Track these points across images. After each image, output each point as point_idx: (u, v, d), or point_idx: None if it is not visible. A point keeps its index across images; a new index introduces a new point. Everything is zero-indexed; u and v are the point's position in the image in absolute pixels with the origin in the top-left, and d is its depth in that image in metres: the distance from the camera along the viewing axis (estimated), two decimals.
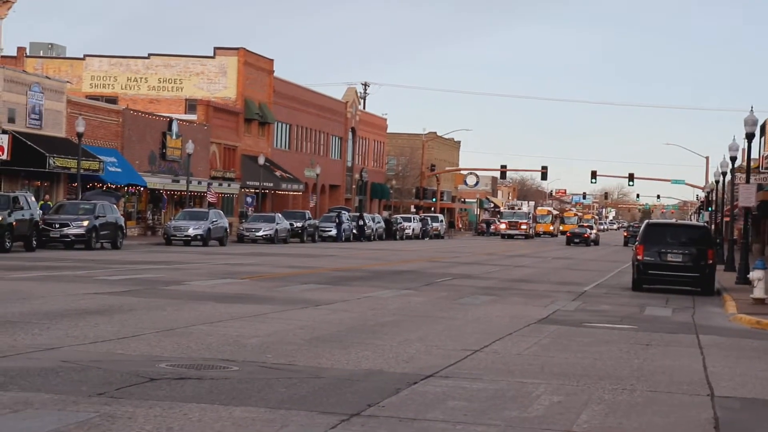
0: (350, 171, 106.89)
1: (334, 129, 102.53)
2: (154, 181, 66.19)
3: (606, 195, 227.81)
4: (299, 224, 71.93)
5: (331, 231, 76.73)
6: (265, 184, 78.80)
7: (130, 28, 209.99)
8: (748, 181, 41.57)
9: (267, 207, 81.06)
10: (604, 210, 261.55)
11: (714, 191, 78.29)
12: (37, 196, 52.15)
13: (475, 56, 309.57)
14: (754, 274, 27.60)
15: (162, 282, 27.38)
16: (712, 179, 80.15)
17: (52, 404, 10.29)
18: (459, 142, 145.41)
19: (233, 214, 77.24)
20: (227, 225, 61.60)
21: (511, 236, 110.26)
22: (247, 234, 65.47)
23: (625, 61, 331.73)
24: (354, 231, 79.80)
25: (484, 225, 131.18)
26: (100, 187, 57.93)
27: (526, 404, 11.67)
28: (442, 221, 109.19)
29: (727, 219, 69.44)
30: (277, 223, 66.44)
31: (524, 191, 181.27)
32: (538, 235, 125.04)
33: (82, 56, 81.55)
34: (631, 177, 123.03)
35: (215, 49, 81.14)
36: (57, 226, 46.06)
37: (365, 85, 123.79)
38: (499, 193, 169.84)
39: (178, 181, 68.31)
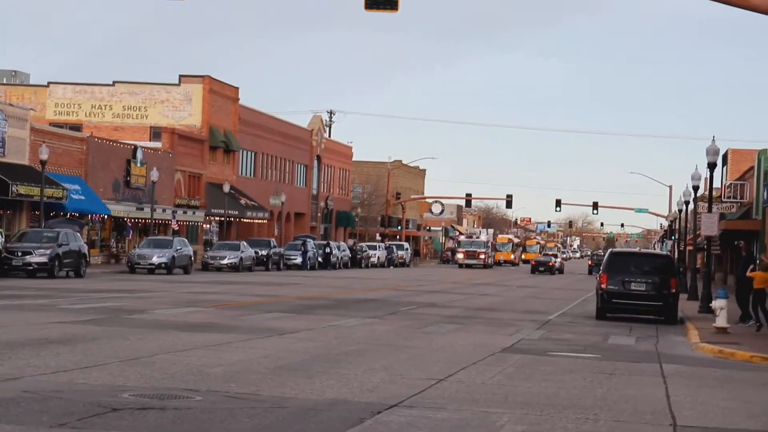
0: (315, 199, 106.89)
1: (300, 157, 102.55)
2: (118, 209, 65.88)
3: (570, 223, 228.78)
4: (264, 252, 71.76)
5: (296, 259, 76.59)
6: (230, 211, 78.58)
7: (95, 56, 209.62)
8: (710, 211, 41.92)
9: (232, 235, 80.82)
10: (568, 238, 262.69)
11: (677, 220, 78.90)
12: None
13: (441, 84, 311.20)
14: (717, 303, 27.79)
15: (125, 311, 27.21)
16: (675, 208, 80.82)
17: None
18: (424, 170, 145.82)
19: (198, 241, 76.95)
20: (192, 253, 61.35)
21: (469, 266, 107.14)
22: (212, 262, 65.24)
23: (590, 90, 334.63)
24: (320, 259, 79.68)
25: (449, 253, 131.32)
26: (63, 215, 57.54)
27: None
28: (407, 249, 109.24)
29: (690, 248, 69.97)
30: (242, 251, 66.27)
31: (489, 219, 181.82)
32: (498, 263, 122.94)
33: (46, 83, 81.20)
34: (595, 205, 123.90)
35: (180, 76, 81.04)
36: (19, 254, 45.71)
37: (331, 113, 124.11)
38: (465, 221, 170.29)
39: (142, 209, 68.02)
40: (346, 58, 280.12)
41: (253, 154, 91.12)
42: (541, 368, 18.49)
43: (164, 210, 70.39)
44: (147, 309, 28.02)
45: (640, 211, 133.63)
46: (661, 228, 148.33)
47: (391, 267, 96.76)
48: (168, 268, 56.48)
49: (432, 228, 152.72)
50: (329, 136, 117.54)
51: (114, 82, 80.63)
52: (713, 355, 23.01)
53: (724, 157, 74.07)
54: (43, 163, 52.76)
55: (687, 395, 15.90)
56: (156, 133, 77.85)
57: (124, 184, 67.73)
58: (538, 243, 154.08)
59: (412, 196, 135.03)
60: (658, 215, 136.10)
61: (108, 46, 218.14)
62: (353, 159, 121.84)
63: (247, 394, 13.50)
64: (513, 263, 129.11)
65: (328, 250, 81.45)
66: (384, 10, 23.79)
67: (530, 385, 15.98)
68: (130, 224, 68.84)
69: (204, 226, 78.00)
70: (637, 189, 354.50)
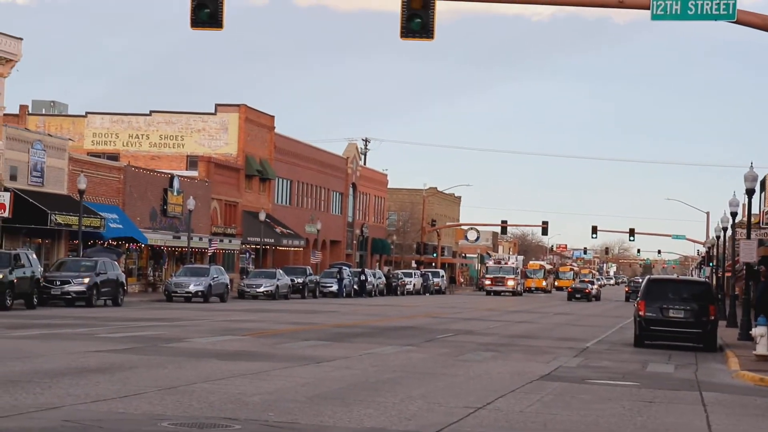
0: (351, 226, 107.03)
1: (335, 185, 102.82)
2: (155, 238, 66.26)
3: (607, 250, 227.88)
4: (300, 280, 71.89)
5: (332, 287, 76.66)
6: (265, 239, 78.85)
7: (132, 86, 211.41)
8: (749, 237, 41.59)
9: (268, 263, 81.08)
10: (605, 265, 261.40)
11: (715, 246, 78.32)
12: (38, 253, 52.17)
13: (476, 111, 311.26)
14: (757, 330, 27.51)
15: (163, 339, 27.31)
16: (712, 234, 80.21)
17: None
18: (460, 197, 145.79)
19: (234, 270, 77.21)
20: (228, 281, 61.56)
21: (497, 293, 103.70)
22: (248, 290, 65.40)
23: (626, 116, 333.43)
24: (355, 287, 79.71)
25: (484, 281, 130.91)
26: (101, 244, 57.96)
27: None
28: (443, 276, 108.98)
29: (728, 274, 69.41)
30: (278, 279, 66.41)
31: (525, 246, 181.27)
32: (530, 291, 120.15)
33: (83, 113, 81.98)
34: (632, 232, 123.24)
35: (216, 105, 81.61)
36: (58, 283, 46.02)
37: (366, 140, 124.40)
38: (500, 248, 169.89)
39: (179, 238, 68.37)
40: (380, 86, 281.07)
41: (288, 182, 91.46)
42: (580, 396, 18.37)
43: (201, 238, 70.72)
44: (184, 337, 28.11)
45: (677, 237, 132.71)
46: (698, 254, 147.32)
47: (427, 294, 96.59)
48: (205, 296, 56.68)
49: (467, 255, 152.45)
50: (364, 163, 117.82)
51: (151, 112, 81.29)
52: (754, 383, 22.76)
53: (762, 183, 73.48)
54: (81, 192, 53.20)
55: (728, 424, 15.75)
56: (192, 162, 78.34)
57: (161, 212, 68.14)
58: (571, 269, 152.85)
59: (448, 223, 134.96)
60: (695, 242, 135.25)
61: (144, 76, 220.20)
62: (388, 186, 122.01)
63: (285, 423, 13.50)
64: (545, 290, 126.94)
65: (363, 277, 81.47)
66: (420, 39, 23.86)
67: (569, 414, 15.88)
68: (165, 252, 69.19)
69: (244, 255, 78.30)
70: (675, 215, 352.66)
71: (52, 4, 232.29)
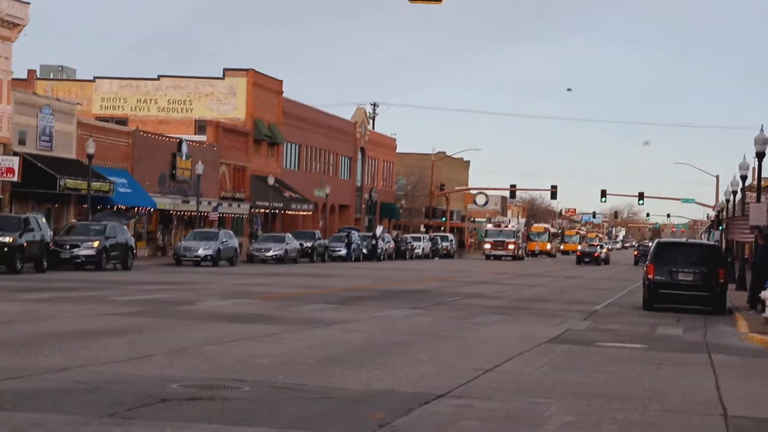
0: (359, 191, 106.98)
1: (344, 149, 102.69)
2: (164, 202, 66.30)
3: (616, 214, 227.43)
4: (309, 244, 71.96)
5: (341, 251, 76.73)
6: (274, 204, 78.87)
7: (140, 50, 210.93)
8: (758, 200, 41.47)
9: (277, 227, 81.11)
10: (614, 229, 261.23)
11: (724, 210, 78.15)
12: (47, 217, 52.25)
13: (484, 75, 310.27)
14: (766, 293, 27.49)
15: (172, 302, 27.39)
16: (722, 198, 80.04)
17: (63, 425, 10.29)
18: (468, 162, 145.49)
19: (243, 234, 77.30)
20: (237, 245, 61.63)
21: (497, 257, 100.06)
22: (257, 254, 65.50)
23: (635, 79, 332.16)
24: (364, 251, 79.75)
25: None
26: (110, 209, 58.04)
27: (538, 424, 11.64)
28: (451, 241, 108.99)
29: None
30: (287, 243, 66.47)
31: (534, 210, 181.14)
32: (533, 254, 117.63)
33: (92, 78, 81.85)
34: (641, 196, 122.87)
35: (225, 70, 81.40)
36: (68, 247, 46.13)
37: (374, 105, 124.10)
38: (509, 212, 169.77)
39: (188, 202, 68.41)
40: (389, 50, 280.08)
41: (297, 146, 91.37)
42: (589, 359, 18.39)
43: (209, 203, 70.75)
44: (194, 301, 28.19)
45: (686, 201, 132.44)
46: (707, 218, 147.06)
47: (436, 258, 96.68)
48: (214, 260, 56.77)
49: (476, 219, 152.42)
50: (373, 128, 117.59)
51: (159, 76, 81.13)
52: (763, 345, 22.76)
53: None
54: (90, 156, 53.20)
55: (737, 386, 15.75)
56: (201, 126, 78.26)
57: (170, 177, 68.14)
58: (578, 233, 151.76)
59: (456, 188, 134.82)
60: (704, 205, 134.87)
61: (152, 41, 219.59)
62: (397, 151, 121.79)
63: (294, 385, 13.53)
64: (549, 254, 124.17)
65: (374, 241, 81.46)
66: (428, 2, 23.74)
67: (578, 376, 15.89)
68: (174, 217, 69.24)
69: (255, 219, 78.32)
70: (684, 179, 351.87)
71: None
